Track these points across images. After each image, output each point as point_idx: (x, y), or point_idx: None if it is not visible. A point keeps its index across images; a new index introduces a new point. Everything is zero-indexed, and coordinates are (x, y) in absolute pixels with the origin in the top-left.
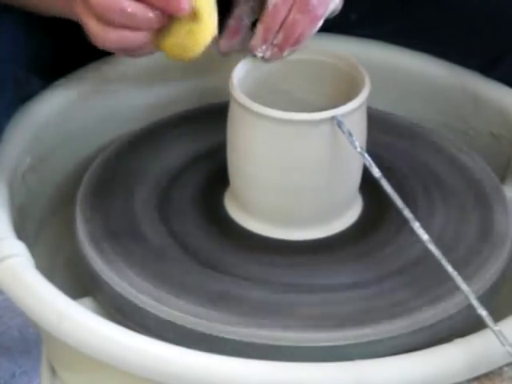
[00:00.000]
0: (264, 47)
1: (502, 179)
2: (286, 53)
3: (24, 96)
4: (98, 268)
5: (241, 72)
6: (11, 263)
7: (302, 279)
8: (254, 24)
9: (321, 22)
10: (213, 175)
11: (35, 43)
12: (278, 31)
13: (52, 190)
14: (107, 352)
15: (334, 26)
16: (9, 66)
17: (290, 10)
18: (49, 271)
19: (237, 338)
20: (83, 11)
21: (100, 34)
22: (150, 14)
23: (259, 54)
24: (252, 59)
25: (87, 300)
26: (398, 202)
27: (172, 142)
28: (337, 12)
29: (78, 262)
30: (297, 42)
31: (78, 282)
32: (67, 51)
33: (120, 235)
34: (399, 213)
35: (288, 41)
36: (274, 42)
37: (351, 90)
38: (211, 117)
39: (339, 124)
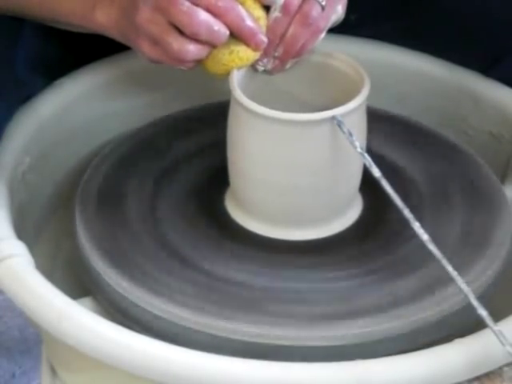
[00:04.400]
0: (265, 60)
1: (502, 179)
2: (288, 65)
3: (27, 97)
4: (98, 268)
5: (241, 72)
6: (11, 263)
7: (302, 279)
8: None
9: (323, 35)
10: (213, 175)
11: (40, 44)
12: (278, 44)
13: (52, 189)
14: (107, 352)
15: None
16: (10, 68)
17: (290, 24)
18: (49, 271)
19: (237, 337)
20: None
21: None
22: (227, 32)
23: (260, 68)
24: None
25: (87, 300)
26: (398, 202)
27: (172, 141)
28: (339, 22)
29: (78, 262)
30: (298, 54)
31: (78, 281)
32: (72, 51)
33: (120, 235)
34: (399, 213)
35: (289, 54)
36: (276, 54)
37: (351, 90)
38: (211, 117)
39: (339, 124)
